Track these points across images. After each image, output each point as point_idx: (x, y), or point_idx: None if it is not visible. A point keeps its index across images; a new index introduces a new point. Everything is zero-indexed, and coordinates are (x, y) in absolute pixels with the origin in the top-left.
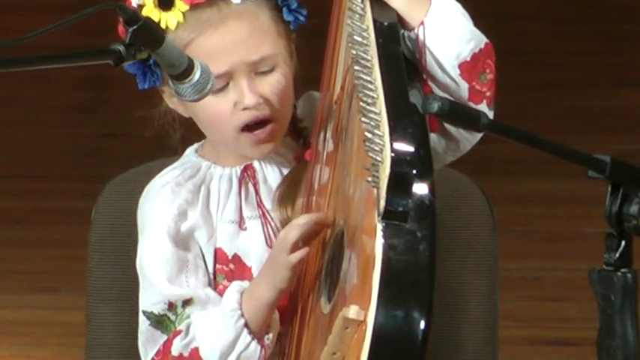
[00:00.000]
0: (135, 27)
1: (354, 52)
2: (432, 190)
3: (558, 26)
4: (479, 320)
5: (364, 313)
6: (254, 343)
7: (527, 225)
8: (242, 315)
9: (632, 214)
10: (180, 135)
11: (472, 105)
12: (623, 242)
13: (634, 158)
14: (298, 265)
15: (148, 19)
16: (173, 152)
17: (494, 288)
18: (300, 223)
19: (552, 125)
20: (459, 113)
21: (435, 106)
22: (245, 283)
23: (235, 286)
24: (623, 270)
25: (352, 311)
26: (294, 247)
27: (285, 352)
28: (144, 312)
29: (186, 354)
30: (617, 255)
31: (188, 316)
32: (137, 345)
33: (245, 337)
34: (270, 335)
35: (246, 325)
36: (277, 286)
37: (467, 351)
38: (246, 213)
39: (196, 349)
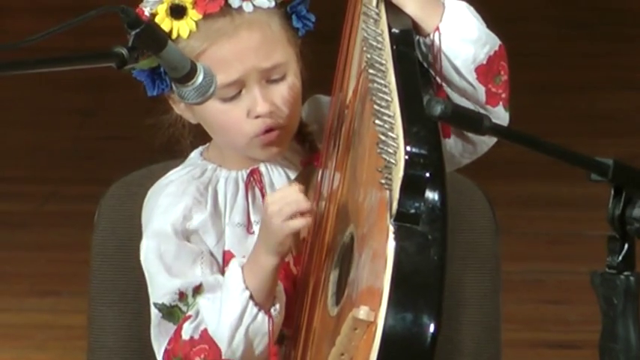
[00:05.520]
0: (137, 30)
1: (369, 55)
2: (443, 193)
3: (560, 29)
4: (481, 323)
5: (374, 314)
6: (261, 314)
7: (529, 228)
8: (246, 288)
9: (634, 217)
10: (189, 142)
11: (489, 108)
12: (625, 245)
13: (636, 161)
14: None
15: (151, 22)
16: (179, 155)
17: (497, 291)
18: (300, 202)
19: (555, 128)
20: (462, 116)
21: (438, 109)
22: (244, 259)
23: (235, 263)
24: (625, 273)
25: (362, 312)
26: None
27: (292, 354)
28: (155, 304)
29: (196, 336)
30: (620, 258)
31: (198, 303)
32: (139, 348)
33: (251, 309)
34: (277, 306)
35: (251, 297)
36: (275, 250)
37: (469, 354)
38: (253, 217)
39: (206, 330)
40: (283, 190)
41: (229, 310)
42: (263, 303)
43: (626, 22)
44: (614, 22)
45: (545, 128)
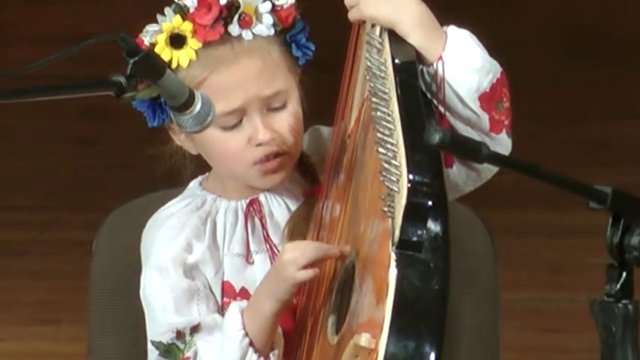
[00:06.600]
0: (136, 58)
1: (372, 84)
2: (445, 221)
3: (560, 57)
4: (480, 351)
5: (375, 341)
6: None
7: (528, 255)
8: (246, 334)
9: (633, 245)
10: (190, 172)
11: (493, 135)
12: (624, 273)
13: (635, 189)
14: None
15: (150, 51)
16: (180, 185)
17: (496, 318)
18: (321, 249)
19: (553, 156)
20: (460, 144)
21: (437, 138)
22: (244, 303)
23: (235, 307)
24: (624, 301)
25: (364, 339)
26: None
27: None
28: (152, 342)
29: None
30: (619, 286)
31: (196, 344)
32: None
33: (251, 355)
34: (276, 351)
35: (251, 343)
36: (280, 298)
37: None
38: (253, 247)
39: None
40: (303, 243)
41: (229, 356)
42: (262, 349)
43: (627, 51)
44: (614, 50)
45: (545, 156)
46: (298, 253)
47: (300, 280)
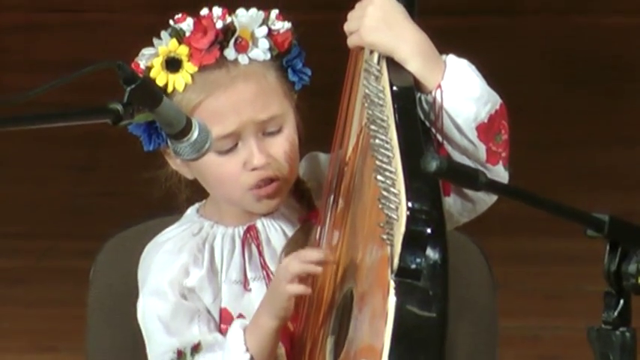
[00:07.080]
0: (133, 86)
1: (370, 112)
2: (444, 249)
3: (559, 85)
4: None
5: None
6: None
7: (525, 283)
8: (247, 350)
9: (630, 273)
10: (185, 196)
11: (489, 166)
12: (621, 301)
13: (635, 217)
14: (298, 296)
15: (147, 78)
16: (178, 212)
17: (494, 346)
18: (307, 259)
19: (553, 183)
20: (458, 172)
21: (434, 165)
22: (246, 321)
23: (238, 324)
24: (621, 329)
25: None
26: (296, 278)
27: None
28: None
29: None
30: (616, 314)
31: None
32: None
33: None
34: None
35: (252, 359)
36: (277, 314)
37: None
38: (250, 274)
39: None
40: (296, 255)
41: None
42: None
43: (625, 78)
44: (612, 78)
45: (543, 184)
46: (284, 266)
47: (291, 294)
